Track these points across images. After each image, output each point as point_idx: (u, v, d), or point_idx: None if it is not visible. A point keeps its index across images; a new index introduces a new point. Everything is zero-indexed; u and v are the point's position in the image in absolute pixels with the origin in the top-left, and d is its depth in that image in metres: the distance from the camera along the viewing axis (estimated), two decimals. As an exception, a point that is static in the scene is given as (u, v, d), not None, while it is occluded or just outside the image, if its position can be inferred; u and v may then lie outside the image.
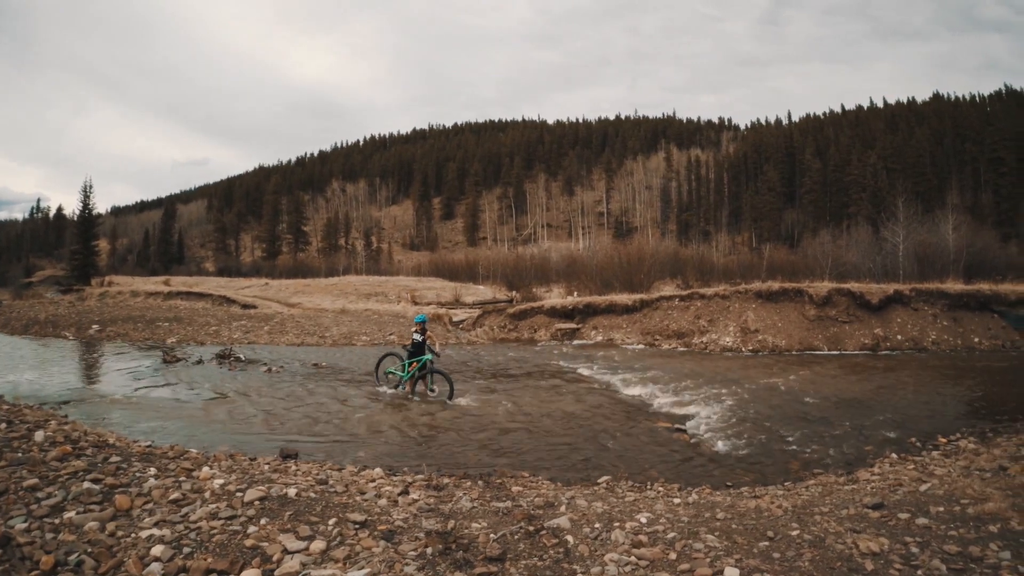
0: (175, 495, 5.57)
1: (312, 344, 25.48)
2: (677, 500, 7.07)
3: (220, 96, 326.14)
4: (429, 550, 4.91)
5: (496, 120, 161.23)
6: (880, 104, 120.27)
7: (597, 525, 5.70)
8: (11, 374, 16.92)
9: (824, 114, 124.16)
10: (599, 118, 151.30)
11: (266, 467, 7.27)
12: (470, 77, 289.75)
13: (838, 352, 22.92)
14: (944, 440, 10.81)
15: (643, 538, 5.35)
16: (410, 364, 14.37)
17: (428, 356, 14.32)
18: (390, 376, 15.14)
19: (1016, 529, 5.62)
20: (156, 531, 4.85)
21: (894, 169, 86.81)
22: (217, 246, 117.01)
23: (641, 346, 25.60)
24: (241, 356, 20.15)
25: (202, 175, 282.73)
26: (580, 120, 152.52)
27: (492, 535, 5.28)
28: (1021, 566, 4.84)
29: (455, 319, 31.90)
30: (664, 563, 4.86)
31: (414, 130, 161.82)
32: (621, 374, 18.03)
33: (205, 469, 6.46)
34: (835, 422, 12.26)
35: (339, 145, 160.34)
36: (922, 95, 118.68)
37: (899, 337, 24.08)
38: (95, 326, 28.82)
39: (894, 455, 9.91)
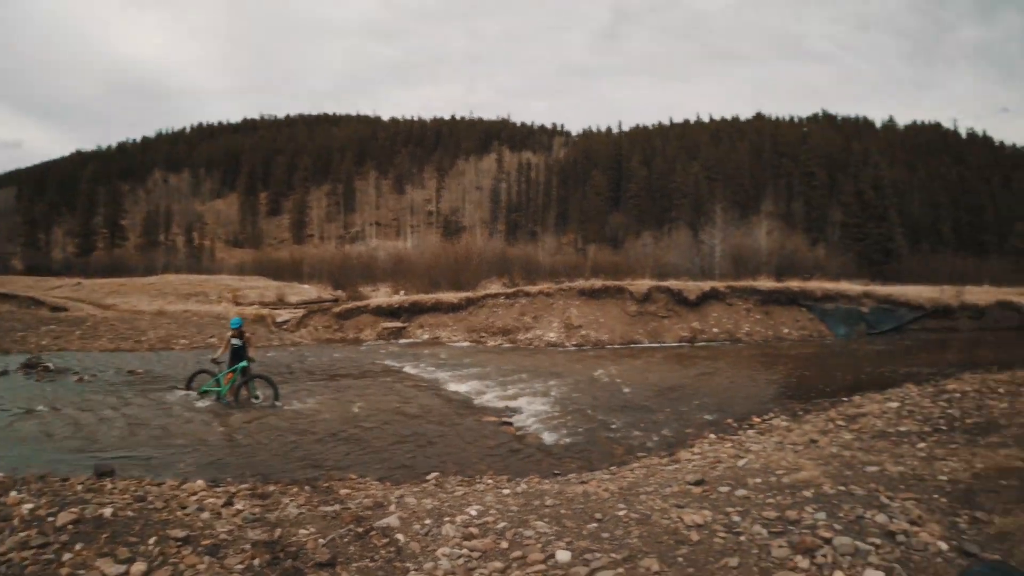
0: (-20, 526, 5.00)
1: (128, 349, 23.85)
2: (506, 491, 7.11)
3: (38, 70, 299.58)
4: (256, 561, 4.73)
5: (330, 114, 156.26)
6: (706, 119, 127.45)
7: (427, 521, 5.66)
8: None
9: (653, 125, 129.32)
10: (434, 117, 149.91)
11: (80, 487, 6.56)
12: (307, 67, 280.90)
13: (658, 345, 24.12)
14: (759, 420, 11.60)
15: (474, 530, 5.38)
16: (226, 375, 13.60)
17: (245, 363, 13.63)
18: (207, 396, 13.95)
19: (829, 492, 6.02)
20: (-39, 569, 4.33)
21: (715, 179, 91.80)
22: (26, 241, 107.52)
23: (467, 344, 25.72)
24: (50, 365, 18.43)
25: (14, 159, 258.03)
26: (415, 118, 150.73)
27: (321, 540, 5.16)
28: (836, 523, 5.19)
29: (279, 320, 30.94)
30: (496, 552, 4.90)
31: (244, 119, 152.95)
32: (448, 371, 18.08)
33: (13, 494, 5.84)
34: (656, 409, 12.81)
35: (164, 132, 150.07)
36: (745, 113, 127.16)
37: (715, 330, 25.87)
38: None
39: (712, 435, 10.57)
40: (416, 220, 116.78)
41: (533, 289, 28.50)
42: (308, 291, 48.94)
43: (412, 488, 7.52)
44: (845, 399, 13.31)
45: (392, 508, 6.13)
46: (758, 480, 6.59)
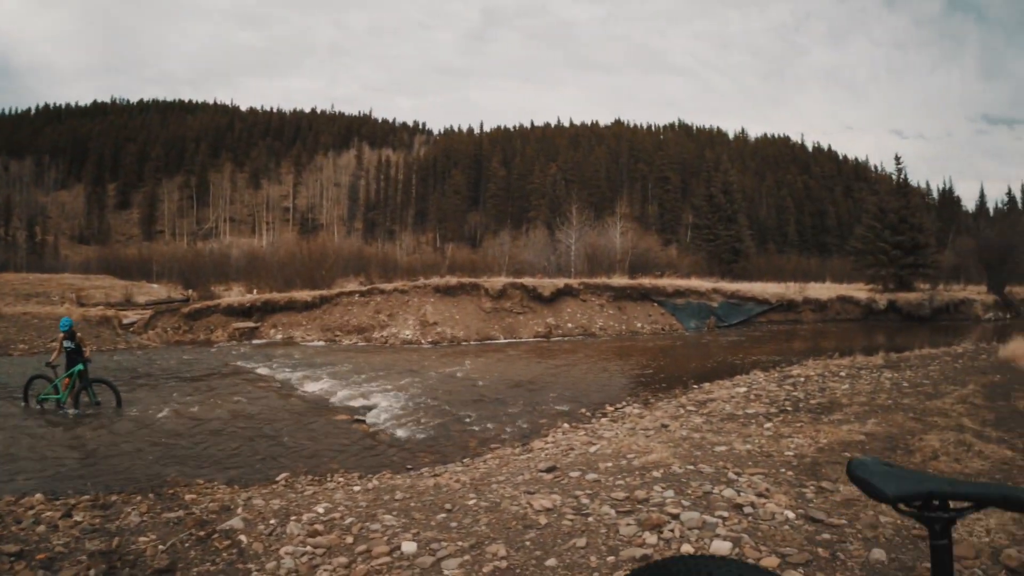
0: None
1: (-40, 356, 22.24)
2: (357, 488, 6.98)
3: None
4: (92, 572, 4.45)
5: (186, 101, 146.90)
6: (566, 123, 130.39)
7: (272, 521, 5.46)
8: None
9: (514, 127, 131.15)
10: (294, 109, 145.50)
11: None
12: (165, 49, 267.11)
13: (514, 341, 24.44)
14: (612, 408, 11.93)
15: (319, 527, 5.21)
16: (63, 380, 12.76)
17: (82, 366, 12.80)
18: (46, 403, 13.00)
19: (678, 471, 6.14)
20: None
21: (573, 181, 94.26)
22: None
23: (322, 343, 25.23)
24: None
25: None
26: (274, 110, 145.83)
27: (161, 546, 4.90)
28: (684, 500, 5.26)
29: (125, 321, 29.43)
30: (341, 548, 4.76)
31: (95, 103, 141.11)
32: (301, 371, 17.67)
33: None
34: (511, 402, 12.92)
35: (6, 112, 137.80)
36: (605, 120, 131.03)
37: (570, 325, 26.56)
38: None
39: (566, 425, 10.76)
40: (272, 217, 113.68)
41: (388, 286, 28.28)
42: (157, 291, 46.78)
43: (261, 490, 7.29)
44: (696, 386, 13.89)
45: (239, 511, 5.87)
46: (609, 464, 6.67)
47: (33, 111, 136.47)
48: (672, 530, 4.60)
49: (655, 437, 8.10)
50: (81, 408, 12.60)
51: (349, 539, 4.90)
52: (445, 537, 4.78)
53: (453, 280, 27.20)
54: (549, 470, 6.61)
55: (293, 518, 5.48)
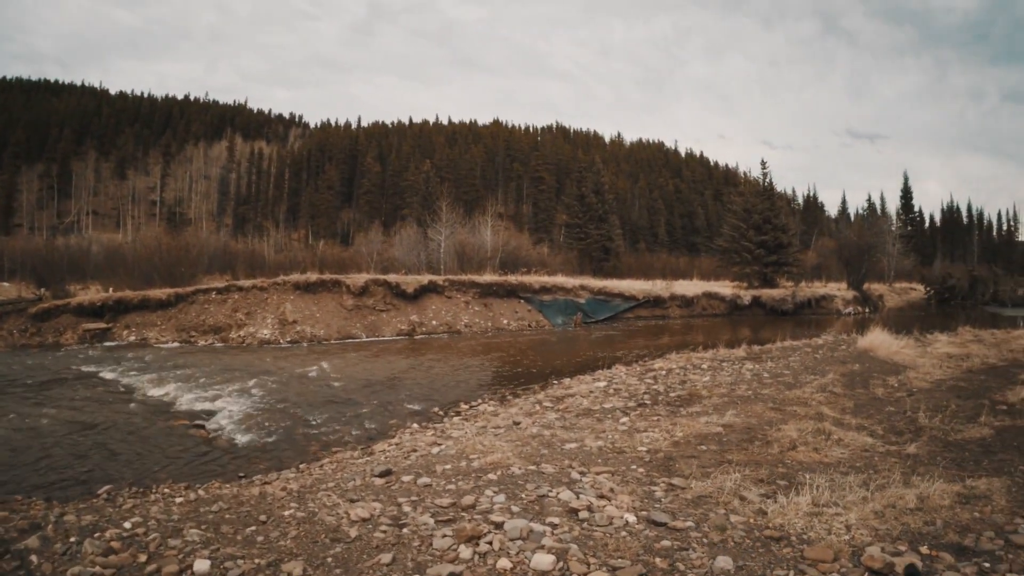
0: None
1: None
2: (179, 499, 6.50)
3: None
4: None
5: (52, 81, 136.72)
6: (445, 121, 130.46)
7: (72, 539, 4.89)
8: None
9: (392, 123, 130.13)
10: (166, 95, 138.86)
11: None
12: (31, 21, 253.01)
13: (377, 339, 24.17)
14: (466, 406, 11.75)
15: (116, 544, 4.72)
16: None
17: None
18: None
19: (516, 473, 5.91)
20: None
21: (448, 178, 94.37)
22: None
23: (176, 344, 24.07)
24: None
25: None
26: (145, 95, 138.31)
27: None
28: (515, 506, 5.01)
29: (-35, 324, 27.49)
30: (131, 567, 4.30)
31: None
32: (148, 375, 16.76)
33: None
34: (363, 402, 12.63)
35: None
36: (484, 119, 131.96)
37: (434, 322, 26.55)
38: None
39: (416, 425, 10.54)
40: (138, 210, 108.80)
41: (246, 283, 27.33)
42: (8, 289, 44.04)
43: (79, 505, 6.62)
44: (556, 382, 13.88)
45: (49, 530, 5.22)
46: (447, 467, 6.40)
47: None
48: (490, 542, 4.31)
49: (504, 436, 7.87)
50: None
51: (143, 557, 4.44)
52: (245, 554, 4.40)
53: (314, 277, 26.55)
54: (383, 475, 6.28)
55: (96, 535, 4.94)
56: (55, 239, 76.47)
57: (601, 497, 5.23)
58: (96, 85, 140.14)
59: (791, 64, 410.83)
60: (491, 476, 5.82)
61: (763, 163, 48.40)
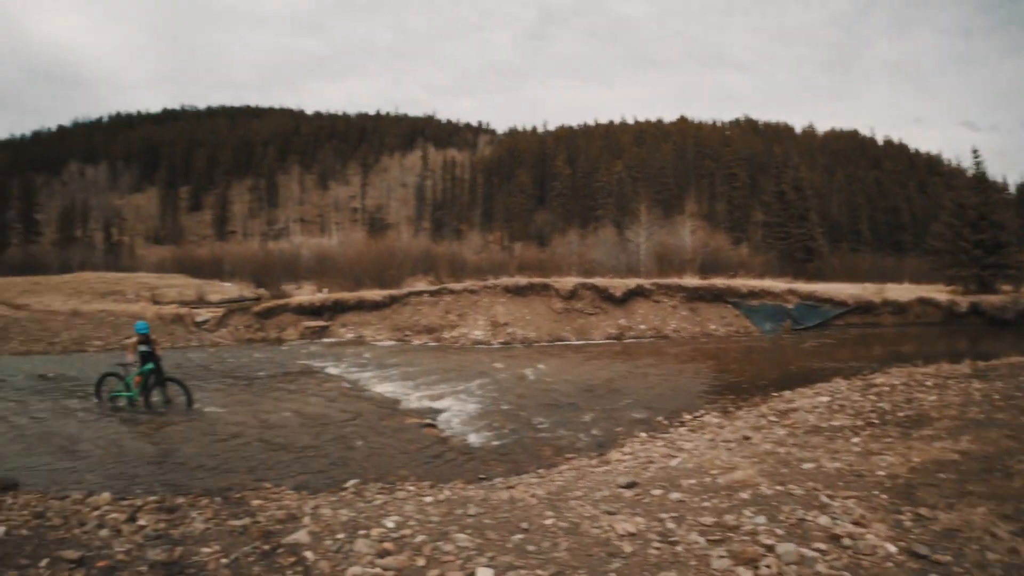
0: None
1: (39, 352, 22.79)
2: (428, 499, 6.64)
3: None
4: None
5: (252, 106, 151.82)
6: (631, 121, 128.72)
7: (340, 536, 5.15)
8: None
9: (577, 125, 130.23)
10: (358, 112, 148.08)
11: None
12: (229, 58, 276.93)
13: (586, 342, 24.10)
14: (690, 417, 11.42)
15: (389, 545, 4.89)
16: (135, 378, 12.84)
17: (153, 365, 12.90)
18: (117, 400, 13.10)
19: (767, 493, 5.76)
20: None
21: (639, 178, 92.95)
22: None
23: (392, 342, 25.26)
24: (-48, 371, 17.46)
25: None
26: (339, 113, 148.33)
27: (223, 560, 4.63)
28: (777, 528, 4.89)
29: (198, 319, 29.91)
30: (412, 570, 4.45)
31: (164, 110, 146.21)
32: (371, 372, 17.60)
33: None
34: (584, 407, 12.56)
35: (80, 121, 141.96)
36: (669, 117, 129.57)
37: (642, 326, 26.04)
38: None
39: (643, 434, 10.30)
40: (341, 217, 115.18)
41: (458, 286, 28.25)
42: (230, 289, 47.58)
43: (329, 497, 6.98)
44: (775, 394, 13.27)
45: (306, 520, 5.59)
46: (692, 481, 6.30)
47: (106, 119, 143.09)
48: (768, 565, 4.25)
49: (737, 451, 7.69)
50: (152, 406, 12.69)
51: (421, 561, 4.58)
52: (523, 563, 4.47)
53: (523, 280, 27.02)
54: (629, 486, 6.27)
55: (362, 532, 5.20)
56: (267, 244, 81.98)
57: (856, 524, 5.05)
58: (293, 107, 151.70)
59: (986, 33, 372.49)
60: (743, 495, 5.70)
61: (975, 152, 43.58)
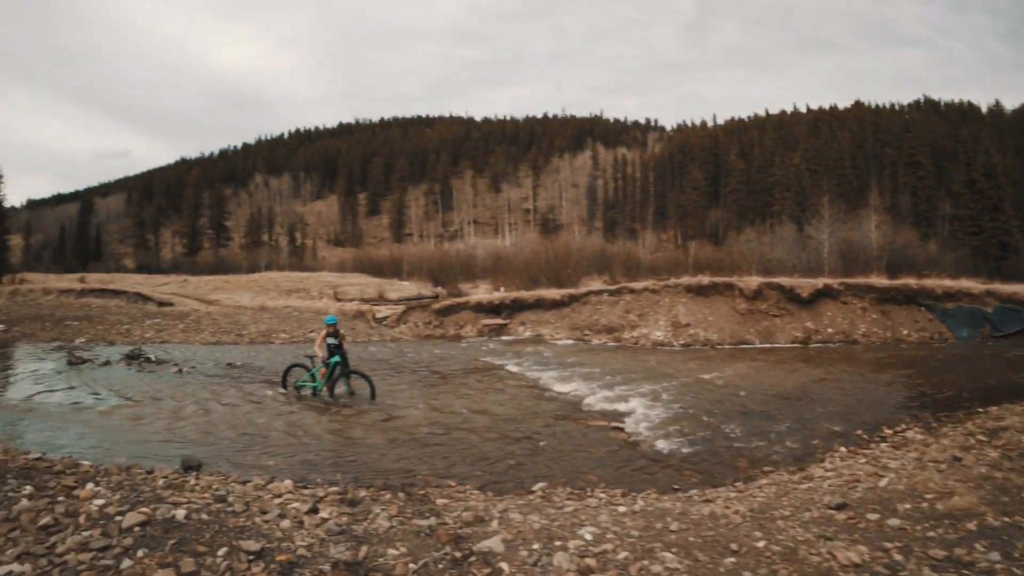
0: (46, 520, 4.72)
1: (228, 343, 24.35)
2: (622, 508, 6.51)
3: (142, 84, 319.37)
4: None
5: (423, 116, 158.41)
6: (803, 110, 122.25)
7: (536, 546, 5.02)
8: None
9: (748, 117, 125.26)
10: (526, 116, 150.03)
11: (161, 481, 6.24)
12: (397, 72, 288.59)
13: (770, 345, 23.23)
14: (890, 431, 10.66)
15: (591, 562, 4.68)
16: (320, 370, 13.50)
17: (339, 358, 13.48)
18: (302, 390, 13.87)
19: (995, 525, 5.30)
20: (16, 567, 4.06)
21: (816, 171, 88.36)
22: (136, 242, 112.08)
23: (570, 341, 25.35)
24: (151, 356, 18.94)
25: (123, 167, 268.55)
26: (507, 118, 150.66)
27: (412, 565, 4.53)
28: (1016, 567, 4.48)
29: (379, 316, 31.15)
30: None
31: (340, 124, 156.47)
32: (551, 370, 17.62)
33: (89, 486, 5.57)
34: (776, 416, 12.04)
35: (263, 138, 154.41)
36: (843, 102, 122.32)
37: (830, 330, 24.66)
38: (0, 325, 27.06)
39: (843, 448, 9.70)
40: (514, 218, 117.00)
41: (638, 286, 28.03)
42: (408, 288, 49.11)
43: (516, 500, 6.92)
44: (981, 410, 12.01)
45: (495, 525, 5.54)
46: (907, 506, 5.85)
47: (287, 135, 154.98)
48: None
49: (950, 474, 7.03)
50: (336, 397, 13.28)
51: None
52: None
53: (705, 280, 26.42)
54: (839, 507, 5.91)
55: (558, 543, 5.07)
56: (443, 245, 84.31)
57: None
58: (462, 114, 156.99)
59: None
60: (969, 525, 5.26)
61: None
